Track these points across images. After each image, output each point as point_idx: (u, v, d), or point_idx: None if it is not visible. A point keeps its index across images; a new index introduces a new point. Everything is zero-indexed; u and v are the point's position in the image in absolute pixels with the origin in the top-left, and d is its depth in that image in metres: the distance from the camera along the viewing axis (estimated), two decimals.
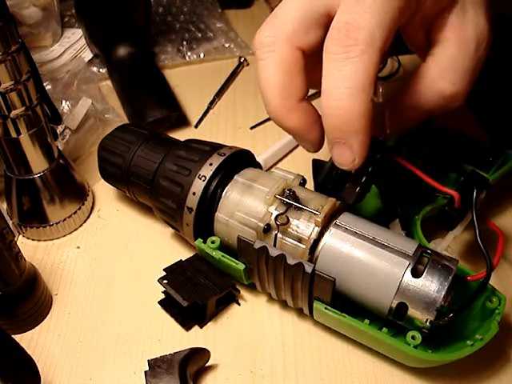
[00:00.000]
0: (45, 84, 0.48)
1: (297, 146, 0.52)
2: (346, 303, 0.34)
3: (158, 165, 0.39)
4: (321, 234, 0.34)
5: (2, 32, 0.34)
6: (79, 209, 0.44)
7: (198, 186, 0.36)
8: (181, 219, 0.37)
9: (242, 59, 0.62)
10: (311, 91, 0.34)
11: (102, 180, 0.44)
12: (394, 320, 0.33)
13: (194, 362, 0.33)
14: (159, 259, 0.40)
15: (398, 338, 0.32)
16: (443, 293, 0.30)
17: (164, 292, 0.39)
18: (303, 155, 0.50)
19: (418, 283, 0.31)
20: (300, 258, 0.33)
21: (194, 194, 0.36)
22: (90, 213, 0.45)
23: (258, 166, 0.41)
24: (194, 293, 0.36)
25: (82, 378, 0.35)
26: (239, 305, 0.39)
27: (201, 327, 0.37)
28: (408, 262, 0.32)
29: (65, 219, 0.43)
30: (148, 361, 0.32)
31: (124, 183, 0.42)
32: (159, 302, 0.38)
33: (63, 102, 0.50)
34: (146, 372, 0.32)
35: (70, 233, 0.44)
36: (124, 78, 0.57)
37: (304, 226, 0.34)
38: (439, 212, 0.40)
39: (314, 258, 0.34)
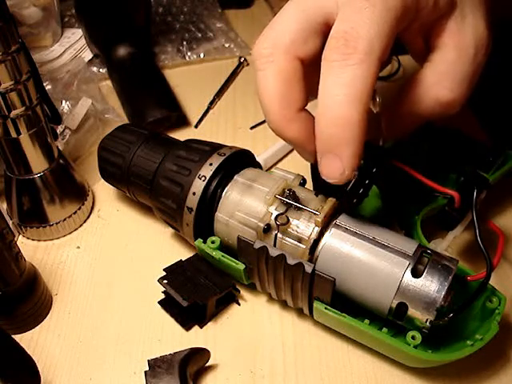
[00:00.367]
0: (45, 84, 0.48)
1: None
2: (346, 303, 0.34)
3: (158, 165, 0.39)
4: (321, 234, 0.34)
5: (2, 32, 0.34)
6: (79, 209, 0.44)
7: (198, 185, 0.36)
8: (181, 219, 0.37)
9: (242, 59, 0.62)
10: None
11: (102, 180, 0.44)
12: (394, 320, 0.33)
13: (194, 362, 0.33)
14: (159, 259, 0.40)
15: (398, 338, 0.32)
16: (443, 293, 0.30)
17: (164, 292, 0.39)
18: None
19: (418, 283, 0.31)
20: (300, 257, 0.33)
21: (194, 193, 0.36)
22: (90, 213, 0.45)
23: (258, 165, 0.41)
24: (194, 293, 0.36)
25: (82, 377, 0.35)
26: (239, 305, 0.39)
27: (201, 327, 0.37)
28: (408, 262, 0.32)
29: (65, 219, 0.43)
30: (148, 361, 0.32)
31: (124, 183, 0.42)
32: (159, 302, 0.38)
33: (63, 102, 0.50)
34: (146, 372, 0.32)
35: (70, 233, 0.44)
36: (124, 78, 0.57)
37: (304, 226, 0.34)
38: (439, 212, 0.40)
39: (313, 258, 0.34)
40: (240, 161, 0.39)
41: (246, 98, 0.58)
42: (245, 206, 0.36)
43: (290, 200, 0.35)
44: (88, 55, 0.62)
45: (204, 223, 0.37)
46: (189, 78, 0.61)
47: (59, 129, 0.48)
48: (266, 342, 0.36)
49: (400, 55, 0.58)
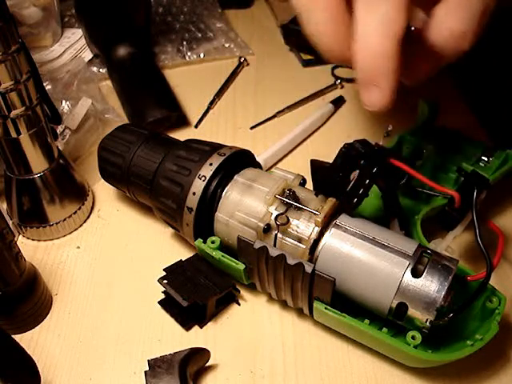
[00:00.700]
0: (45, 84, 0.48)
1: (297, 146, 0.52)
2: (346, 303, 0.34)
3: (158, 165, 0.39)
4: (321, 234, 0.34)
5: (2, 32, 0.34)
6: (79, 209, 0.44)
7: (198, 185, 0.36)
8: (181, 219, 0.37)
9: (242, 59, 0.62)
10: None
11: (102, 180, 0.44)
12: (394, 320, 0.33)
13: (194, 362, 0.33)
14: (159, 259, 0.40)
15: (398, 338, 0.32)
16: (443, 293, 0.30)
17: (164, 292, 0.39)
18: (303, 155, 0.51)
19: (418, 283, 0.31)
20: (300, 257, 0.33)
21: (194, 193, 0.36)
22: (90, 213, 0.45)
23: (258, 166, 0.41)
24: (194, 293, 0.36)
25: (82, 377, 0.35)
26: (239, 305, 0.39)
27: (201, 327, 0.37)
28: (408, 262, 0.32)
29: (65, 219, 0.43)
30: (148, 361, 0.32)
31: (124, 183, 0.42)
32: (159, 302, 0.38)
33: (63, 102, 0.50)
34: (146, 372, 0.32)
35: (70, 233, 0.44)
36: (124, 78, 0.57)
37: (304, 226, 0.34)
38: (439, 212, 0.40)
39: (313, 258, 0.34)
40: (240, 161, 0.39)
41: (246, 98, 0.58)
42: (245, 205, 0.36)
43: (290, 200, 0.35)
44: (88, 55, 0.62)
45: (204, 223, 0.37)
46: (189, 78, 0.61)
47: (59, 129, 0.48)
48: (266, 342, 0.36)
49: None
